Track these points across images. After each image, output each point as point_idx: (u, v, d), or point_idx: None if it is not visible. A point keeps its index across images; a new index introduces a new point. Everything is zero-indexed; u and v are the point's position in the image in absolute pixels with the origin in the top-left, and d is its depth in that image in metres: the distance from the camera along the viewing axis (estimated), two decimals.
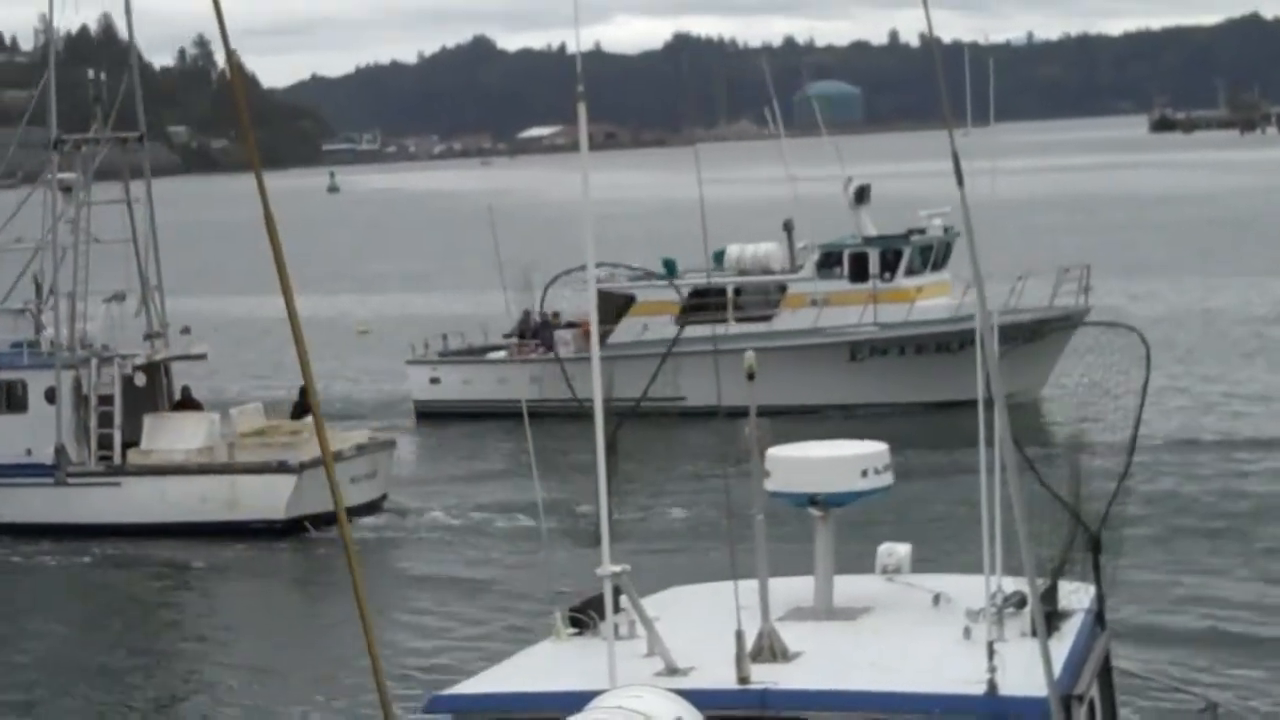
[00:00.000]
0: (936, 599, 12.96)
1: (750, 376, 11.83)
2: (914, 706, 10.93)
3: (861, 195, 55.30)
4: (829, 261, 54.80)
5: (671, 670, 11.53)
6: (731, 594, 11.65)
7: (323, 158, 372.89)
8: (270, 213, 7.69)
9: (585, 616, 12.55)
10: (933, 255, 54.83)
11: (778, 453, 12.82)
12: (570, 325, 54.47)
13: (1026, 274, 53.12)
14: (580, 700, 10.08)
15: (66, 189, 44.21)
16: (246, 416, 43.33)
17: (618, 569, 11.23)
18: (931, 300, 53.49)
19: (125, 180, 45.29)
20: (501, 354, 56.72)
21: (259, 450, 41.89)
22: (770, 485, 12.68)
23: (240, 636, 34.13)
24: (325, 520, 40.88)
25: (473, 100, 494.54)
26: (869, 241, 54.60)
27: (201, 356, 45.38)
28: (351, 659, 30.77)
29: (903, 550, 14.02)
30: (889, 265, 54.13)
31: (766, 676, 11.33)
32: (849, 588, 13.20)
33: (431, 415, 56.18)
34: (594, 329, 11.62)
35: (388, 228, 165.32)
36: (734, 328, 53.83)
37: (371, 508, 42.35)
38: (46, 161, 44.76)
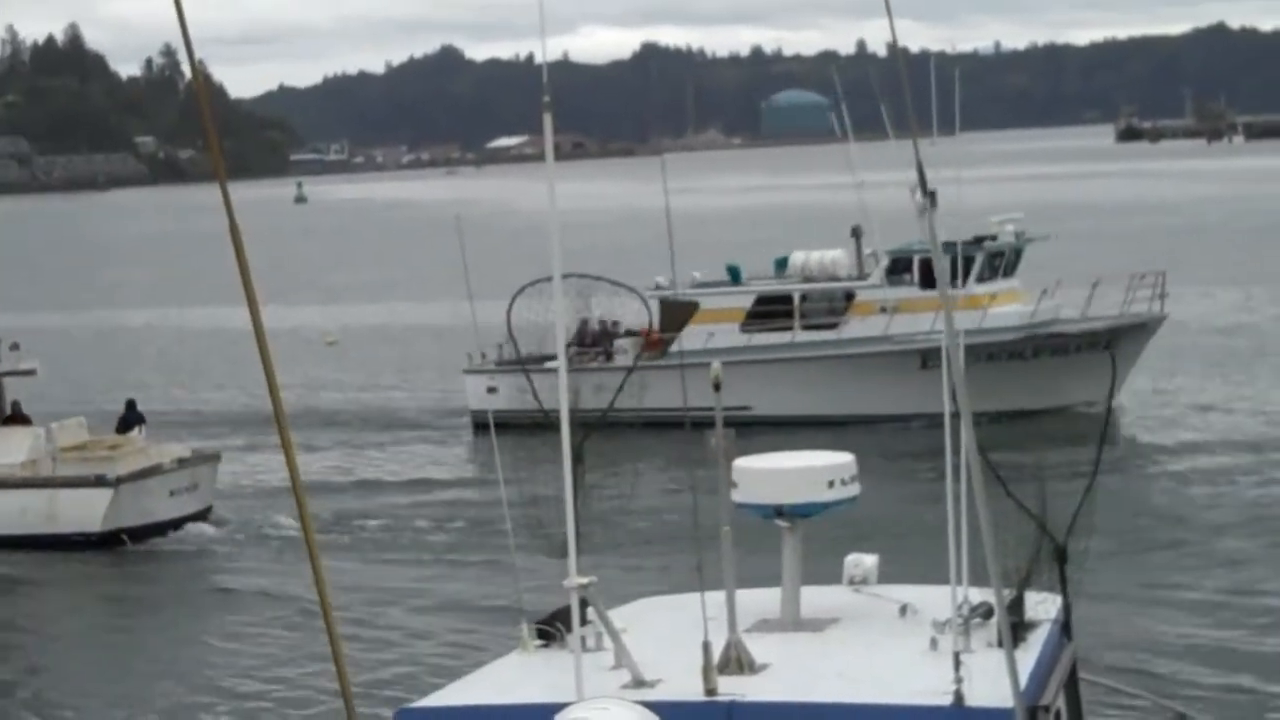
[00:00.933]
0: (903, 610, 12.97)
1: (716, 387, 11.80)
2: (880, 717, 10.93)
3: (931, 201, 54.38)
4: (898, 268, 53.96)
5: (639, 682, 11.51)
6: (699, 605, 11.63)
7: (291, 168, 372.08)
8: (235, 223, 7.62)
9: (552, 628, 12.52)
10: (1003, 262, 54.12)
11: (744, 464, 12.81)
12: (630, 334, 53.41)
13: (1099, 280, 52.83)
14: (547, 713, 10.05)
15: None
16: (68, 431, 43.66)
17: (585, 581, 11.19)
18: (1004, 307, 52.53)
19: None
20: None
21: (78, 464, 42.41)
22: (737, 496, 12.67)
23: (58, 647, 34.33)
24: (143, 533, 41.74)
25: (441, 110, 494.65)
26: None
27: (31, 372, 45.16)
28: (169, 668, 31.10)
29: (869, 561, 14.03)
30: (960, 272, 52.96)
31: (734, 688, 11.32)
32: (816, 599, 13.19)
33: (489, 425, 54.29)
34: (560, 340, 11.53)
35: (355, 238, 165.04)
36: (800, 335, 53.31)
37: (195, 519, 42.72)
38: None
